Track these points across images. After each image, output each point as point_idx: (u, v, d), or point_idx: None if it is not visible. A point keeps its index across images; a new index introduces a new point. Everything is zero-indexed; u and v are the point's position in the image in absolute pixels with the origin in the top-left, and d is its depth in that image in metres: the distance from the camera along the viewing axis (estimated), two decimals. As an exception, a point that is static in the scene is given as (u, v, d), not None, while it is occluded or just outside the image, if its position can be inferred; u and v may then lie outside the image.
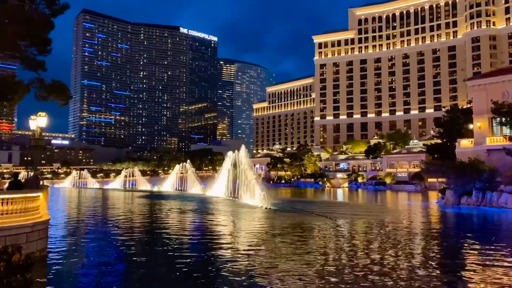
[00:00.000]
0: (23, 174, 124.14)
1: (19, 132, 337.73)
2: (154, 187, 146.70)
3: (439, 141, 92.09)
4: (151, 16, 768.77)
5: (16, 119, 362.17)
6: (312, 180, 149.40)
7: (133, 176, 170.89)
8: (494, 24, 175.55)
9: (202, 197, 79.91)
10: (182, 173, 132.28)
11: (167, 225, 34.73)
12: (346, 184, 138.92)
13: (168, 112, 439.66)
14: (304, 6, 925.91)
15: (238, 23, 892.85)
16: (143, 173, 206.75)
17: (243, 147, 71.30)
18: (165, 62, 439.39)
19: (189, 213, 46.62)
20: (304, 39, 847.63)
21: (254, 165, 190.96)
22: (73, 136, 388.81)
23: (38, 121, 27.23)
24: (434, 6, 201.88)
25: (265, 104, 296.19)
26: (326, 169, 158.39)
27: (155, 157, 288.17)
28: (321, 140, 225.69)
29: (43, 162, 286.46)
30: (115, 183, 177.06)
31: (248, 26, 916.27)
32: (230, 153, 78.88)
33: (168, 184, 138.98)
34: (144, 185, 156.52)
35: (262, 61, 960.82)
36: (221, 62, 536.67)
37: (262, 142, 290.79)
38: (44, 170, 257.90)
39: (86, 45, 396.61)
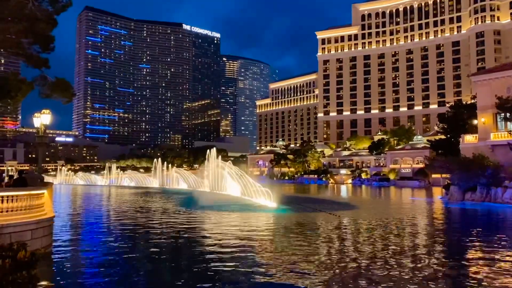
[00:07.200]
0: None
1: (24, 130, 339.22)
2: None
3: (443, 136, 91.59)
4: (152, 12, 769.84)
5: (20, 117, 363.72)
6: (316, 176, 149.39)
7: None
8: (498, 19, 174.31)
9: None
10: None
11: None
12: (349, 180, 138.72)
13: (171, 109, 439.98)
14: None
15: (238, 18, 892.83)
16: (147, 169, 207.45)
17: None
18: (168, 59, 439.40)
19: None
20: (305, 34, 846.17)
21: (258, 162, 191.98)
22: (77, 133, 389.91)
23: (42, 119, 27.31)
24: (438, 1, 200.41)
25: (268, 101, 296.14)
26: (330, 165, 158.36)
27: (158, 154, 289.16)
28: (325, 136, 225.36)
29: (47, 159, 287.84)
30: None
31: (248, 21, 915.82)
32: None
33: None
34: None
35: (262, 56, 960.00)
36: (224, 59, 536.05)
37: (266, 138, 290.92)
38: (48, 168, 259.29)
39: (89, 43, 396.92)
